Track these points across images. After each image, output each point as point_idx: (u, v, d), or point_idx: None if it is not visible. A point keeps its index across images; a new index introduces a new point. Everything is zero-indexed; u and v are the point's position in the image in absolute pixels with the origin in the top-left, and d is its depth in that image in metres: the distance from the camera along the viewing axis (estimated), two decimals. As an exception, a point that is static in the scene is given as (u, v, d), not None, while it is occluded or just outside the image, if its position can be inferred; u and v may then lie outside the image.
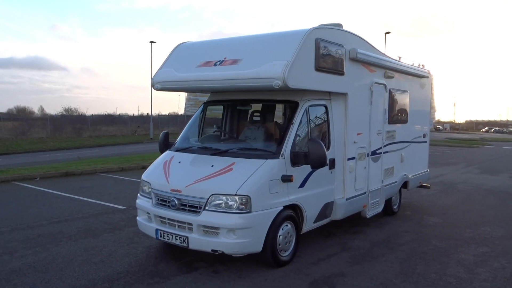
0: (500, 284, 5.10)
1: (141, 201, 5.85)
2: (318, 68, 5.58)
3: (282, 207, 5.29)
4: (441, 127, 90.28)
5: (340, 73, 6.10)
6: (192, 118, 6.90)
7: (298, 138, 5.62)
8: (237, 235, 4.93)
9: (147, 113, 48.27)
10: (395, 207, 8.49)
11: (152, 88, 6.41)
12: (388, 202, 8.06)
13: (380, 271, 5.39)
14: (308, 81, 5.47)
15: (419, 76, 8.84)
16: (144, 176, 5.97)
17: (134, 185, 11.24)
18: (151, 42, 36.71)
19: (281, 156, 5.35)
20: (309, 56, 5.44)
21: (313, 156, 5.31)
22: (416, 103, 8.81)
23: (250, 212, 4.95)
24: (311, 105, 5.89)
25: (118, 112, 66.41)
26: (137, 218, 5.95)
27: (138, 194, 6.01)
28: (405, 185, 8.60)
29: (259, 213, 5.03)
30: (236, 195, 4.96)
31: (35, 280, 4.92)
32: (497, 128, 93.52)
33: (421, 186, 9.52)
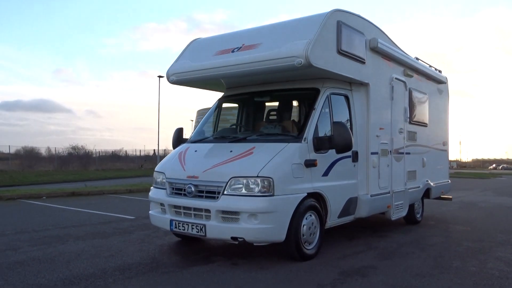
0: (548, 276, 4.63)
1: (154, 193, 5.52)
2: (340, 51, 5.39)
3: (306, 194, 4.94)
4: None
5: (362, 61, 5.90)
6: (206, 115, 6.62)
7: (320, 125, 5.34)
8: (259, 220, 4.55)
9: (154, 150, 48.22)
10: (418, 215, 8.05)
11: (167, 81, 6.13)
12: (411, 209, 7.63)
13: (413, 265, 4.94)
14: (330, 62, 5.25)
15: (437, 81, 8.63)
16: (157, 168, 5.67)
17: (143, 202, 10.88)
18: (159, 76, 37.17)
19: (304, 141, 5.06)
20: (331, 37, 5.26)
21: (338, 139, 5.01)
22: (435, 108, 8.55)
23: (273, 195, 4.60)
24: (332, 93, 5.64)
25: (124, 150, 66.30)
26: (149, 212, 5.59)
27: (151, 187, 5.69)
28: (427, 193, 8.18)
29: (283, 197, 4.67)
30: (258, 176, 4.63)
31: (40, 269, 4.53)
32: (505, 165, 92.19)
33: (443, 198, 9.06)
